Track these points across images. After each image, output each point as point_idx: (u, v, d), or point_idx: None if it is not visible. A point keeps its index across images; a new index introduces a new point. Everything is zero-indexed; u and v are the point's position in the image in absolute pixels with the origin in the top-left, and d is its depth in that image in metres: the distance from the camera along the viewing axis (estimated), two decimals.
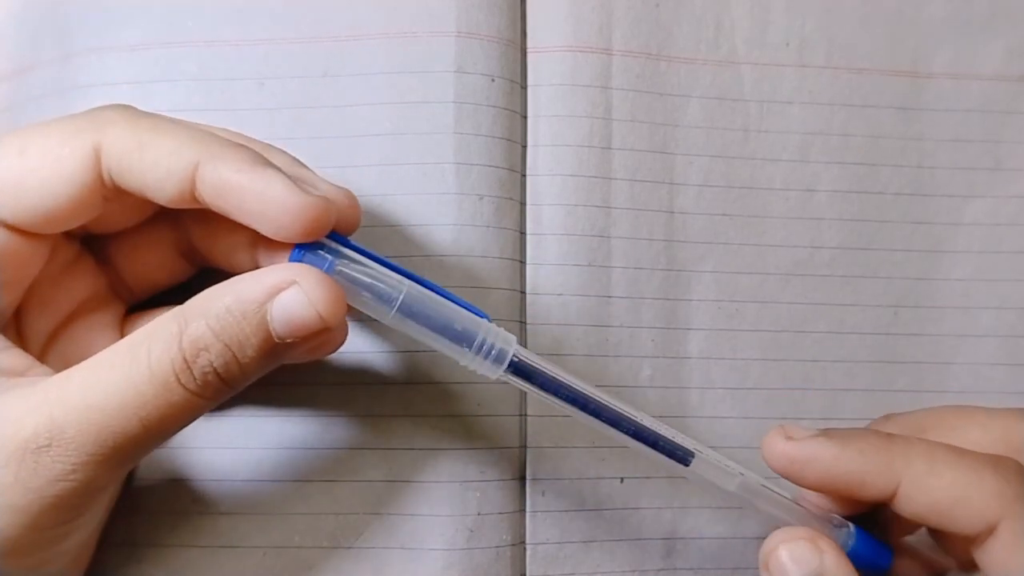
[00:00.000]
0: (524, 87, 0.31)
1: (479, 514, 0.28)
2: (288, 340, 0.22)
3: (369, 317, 0.29)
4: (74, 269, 0.26)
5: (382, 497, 0.28)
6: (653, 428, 0.25)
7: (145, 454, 0.23)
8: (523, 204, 0.30)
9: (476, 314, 0.24)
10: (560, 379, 0.24)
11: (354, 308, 0.24)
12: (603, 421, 0.24)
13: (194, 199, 0.23)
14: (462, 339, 0.24)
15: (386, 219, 0.29)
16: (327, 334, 0.23)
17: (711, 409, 0.31)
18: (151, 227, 0.27)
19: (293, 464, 0.28)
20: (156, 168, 0.22)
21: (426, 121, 0.29)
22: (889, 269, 0.32)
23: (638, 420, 0.24)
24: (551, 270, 0.30)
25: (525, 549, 0.29)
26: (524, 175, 0.31)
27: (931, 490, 0.22)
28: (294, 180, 0.23)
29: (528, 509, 0.29)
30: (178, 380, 0.21)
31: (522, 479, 0.29)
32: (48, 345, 0.26)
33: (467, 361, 0.24)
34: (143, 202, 0.25)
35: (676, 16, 0.32)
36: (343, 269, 0.23)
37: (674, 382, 0.31)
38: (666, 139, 0.31)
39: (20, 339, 0.25)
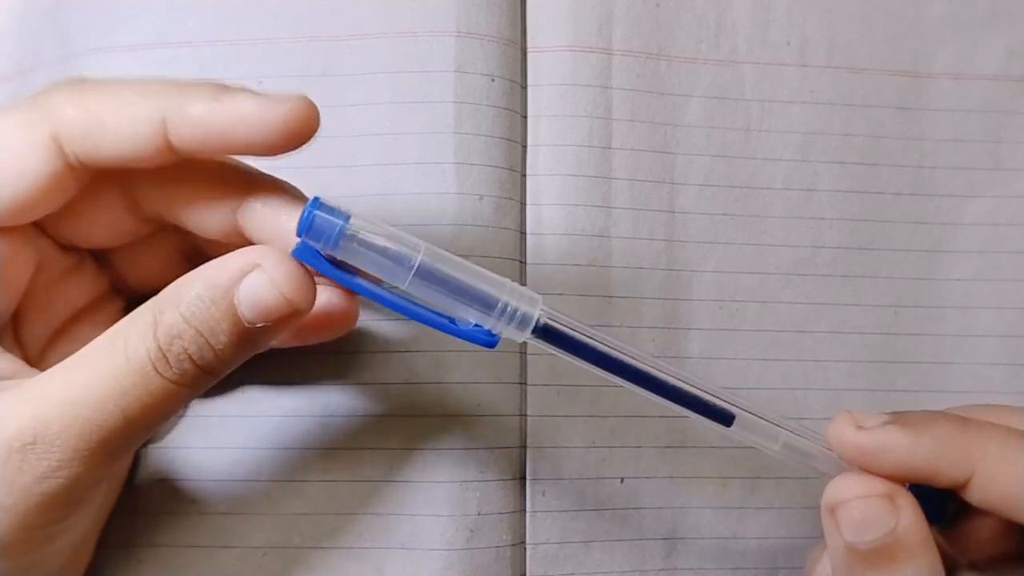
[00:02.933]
0: (524, 87, 0.31)
1: (479, 514, 0.28)
2: (259, 324, 0.21)
3: (368, 317, 0.29)
4: (74, 276, 0.26)
5: (382, 497, 0.28)
6: (695, 391, 0.23)
7: (131, 448, 0.23)
8: (523, 204, 0.30)
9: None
10: (592, 342, 0.23)
11: (362, 299, 0.24)
12: (642, 386, 0.23)
13: (174, 153, 0.22)
14: (483, 304, 0.23)
15: (386, 219, 0.29)
16: (298, 318, 0.22)
17: None
18: (154, 235, 0.27)
19: (293, 464, 0.28)
20: (121, 140, 0.22)
21: (426, 121, 0.29)
22: (890, 269, 0.32)
23: (680, 384, 0.23)
24: (551, 270, 0.30)
25: (525, 549, 0.29)
26: (524, 175, 0.31)
27: (1004, 478, 0.22)
28: (263, 94, 0.22)
29: (528, 509, 0.29)
30: (155, 369, 0.21)
31: (522, 479, 0.29)
32: (47, 348, 0.26)
33: (491, 326, 0.23)
34: (136, 221, 0.25)
35: (677, 15, 0.32)
36: (356, 232, 0.22)
37: None
38: (666, 139, 0.31)
39: (17, 343, 0.25)
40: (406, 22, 0.30)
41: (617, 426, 0.30)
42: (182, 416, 0.29)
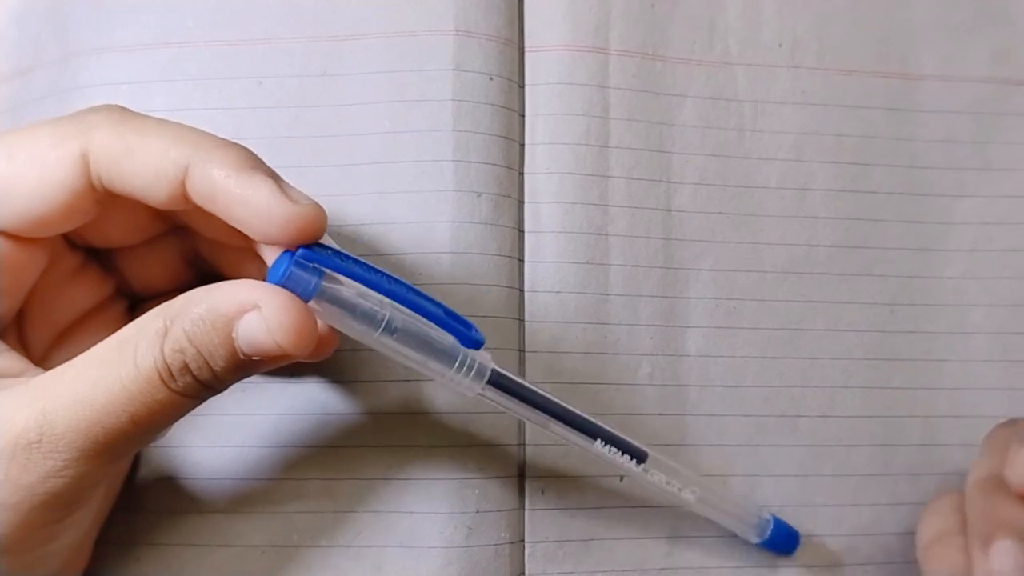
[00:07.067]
0: (522, 85, 0.31)
1: (478, 512, 0.28)
2: (254, 358, 0.22)
3: None
4: (78, 278, 0.26)
5: (381, 495, 0.28)
6: (624, 439, 0.27)
7: (135, 450, 0.24)
8: (521, 202, 0.31)
9: (466, 328, 0.24)
10: (537, 391, 0.26)
11: None
12: (583, 433, 0.27)
13: (187, 201, 0.23)
14: (442, 361, 0.24)
15: (385, 217, 0.29)
16: (291, 359, 0.22)
17: (709, 407, 0.31)
18: (157, 239, 0.27)
19: (291, 462, 0.28)
20: (145, 172, 0.22)
21: (424, 119, 0.30)
22: (883, 267, 0.32)
23: (608, 429, 0.27)
24: (549, 268, 0.30)
25: (524, 547, 0.29)
26: (522, 173, 0.31)
27: None
28: (283, 187, 0.23)
29: (527, 507, 0.29)
30: (161, 379, 0.21)
31: (521, 476, 0.29)
32: (51, 349, 0.26)
33: (446, 381, 0.25)
34: (149, 218, 0.25)
35: (671, 17, 0.32)
36: (327, 290, 0.23)
37: (673, 380, 0.31)
38: (662, 138, 0.32)
39: (22, 343, 0.25)
40: (405, 22, 0.30)
41: (616, 425, 0.30)
42: None
